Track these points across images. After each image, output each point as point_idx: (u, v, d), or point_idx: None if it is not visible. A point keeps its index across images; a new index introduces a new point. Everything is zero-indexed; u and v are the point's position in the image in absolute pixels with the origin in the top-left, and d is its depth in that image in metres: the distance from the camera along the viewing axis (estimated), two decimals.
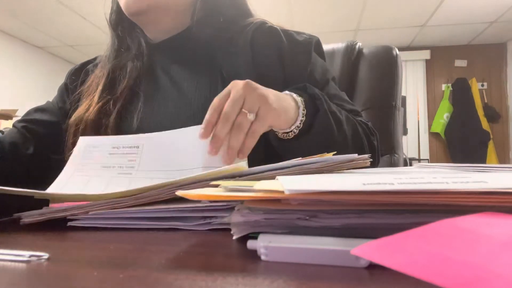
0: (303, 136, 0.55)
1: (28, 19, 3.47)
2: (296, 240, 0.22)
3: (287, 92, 0.56)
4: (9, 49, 3.87)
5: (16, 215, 0.37)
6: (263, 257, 0.22)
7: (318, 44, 0.71)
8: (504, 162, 4.20)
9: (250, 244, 0.23)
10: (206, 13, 0.68)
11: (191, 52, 0.69)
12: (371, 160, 0.42)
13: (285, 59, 0.66)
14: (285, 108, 0.51)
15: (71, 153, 0.55)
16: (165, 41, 0.71)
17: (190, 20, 0.69)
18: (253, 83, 0.48)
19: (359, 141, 0.63)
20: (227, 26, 0.69)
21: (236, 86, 0.47)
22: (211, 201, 0.32)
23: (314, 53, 0.69)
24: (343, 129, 0.59)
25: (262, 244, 0.22)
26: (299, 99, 0.54)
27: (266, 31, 0.68)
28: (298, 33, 0.71)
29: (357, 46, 1.02)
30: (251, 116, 0.45)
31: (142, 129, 0.63)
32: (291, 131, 0.54)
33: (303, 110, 0.54)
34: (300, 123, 0.54)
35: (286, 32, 0.70)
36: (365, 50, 1.02)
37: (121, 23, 0.73)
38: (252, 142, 0.46)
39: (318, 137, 0.55)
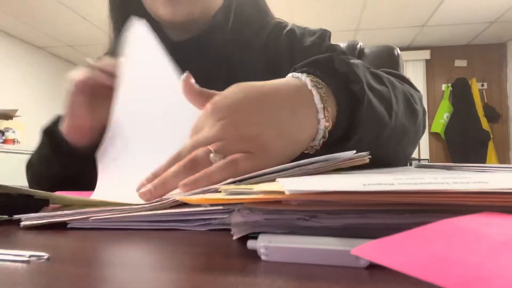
0: (340, 144, 0.41)
1: (28, 19, 3.47)
2: (296, 240, 0.22)
3: (307, 83, 0.38)
4: (9, 49, 3.87)
5: (16, 216, 0.37)
6: (263, 257, 0.22)
7: (330, 37, 0.70)
8: (504, 162, 4.20)
9: (250, 244, 0.23)
10: (225, 16, 0.67)
11: (208, 55, 0.68)
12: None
13: (295, 52, 0.65)
14: (291, 141, 0.36)
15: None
16: (184, 41, 0.68)
17: (210, 21, 0.67)
18: (251, 114, 0.34)
19: (415, 115, 0.50)
20: (243, 29, 0.68)
21: (215, 124, 0.34)
22: (211, 205, 0.32)
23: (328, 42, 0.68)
24: (395, 114, 0.44)
25: (262, 244, 0.22)
26: (321, 109, 0.37)
27: (280, 34, 0.68)
28: (312, 29, 0.71)
29: (358, 46, 1.02)
30: (215, 158, 0.34)
31: None
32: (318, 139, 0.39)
33: (322, 137, 0.38)
34: (320, 141, 0.39)
35: (300, 28, 0.70)
36: (366, 50, 1.02)
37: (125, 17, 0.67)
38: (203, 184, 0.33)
39: (365, 137, 0.40)
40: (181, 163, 0.35)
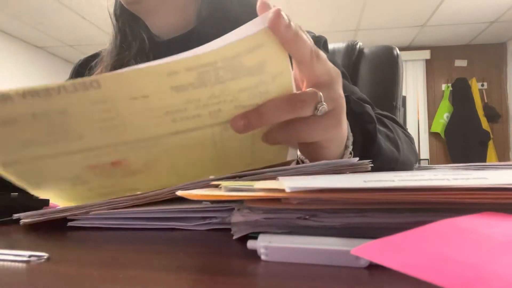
0: None
1: (28, 19, 3.47)
2: (296, 240, 0.22)
3: None
4: (9, 49, 3.87)
5: (16, 215, 0.37)
6: (263, 257, 0.22)
7: (326, 43, 0.70)
8: None
9: (250, 244, 0.23)
10: (211, 12, 0.67)
11: None
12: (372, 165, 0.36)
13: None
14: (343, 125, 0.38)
15: None
16: (172, 40, 0.69)
17: (196, 18, 0.67)
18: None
19: (414, 155, 0.57)
20: (232, 27, 0.67)
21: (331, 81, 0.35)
22: (212, 202, 0.32)
23: (322, 50, 0.67)
24: (402, 152, 0.50)
25: (262, 244, 0.22)
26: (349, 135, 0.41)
27: None
28: (307, 32, 0.70)
29: (357, 46, 1.02)
30: (322, 109, 0.33)
31: None
32: None
33: (350, 153, 0.41)
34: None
35: None
36: (366, 50, 1.02)
37: (123, 16, 0.71)
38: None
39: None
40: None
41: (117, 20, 0.72)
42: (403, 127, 0.62)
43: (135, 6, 0.65)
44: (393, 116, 0.62)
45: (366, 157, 0.42)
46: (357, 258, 0.20)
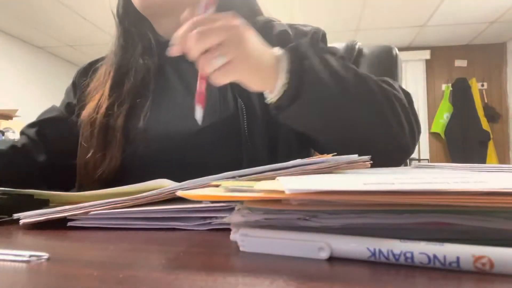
0: (296, 101, 0.49)
1: (28, 19, 3.47)
2: (270, 233, 0.23)
3: (273, 49, 0.50)
4: (9, 49, 3.87)
5: (16, 215, 0.37)
6: (241, 248, 0.24)
7: (324, 37, 0.70)
8: (504, 162, 4.20)
9: (232, 236, 0.25)
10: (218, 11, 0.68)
11: None
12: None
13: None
14: (259, 65, 0.46)
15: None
16: None
17: None
18: (247, 30, 0.46)
19: (372, 96, 0.54)
20: None
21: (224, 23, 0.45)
22: (211, 202, 0.32)
23: (321, 43, 0.67)
24: (342, 80, 0.51)
25: (240, 235, 0.24)
26: (282, 56, 0.49)
27: (270, 34, 0.67)
28: (305, 25, 0.70)
29: (357, 46, 1.02)
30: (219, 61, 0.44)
31: (148, 129, 0.63)
32: (275, 95, 0.49)
33: (287, 75, 0.47)
34: (283, 87, 0.48)
35: (291, 26, 0.69)
36: (365, 50, 1.02)
37: (128, 16, 0.71)
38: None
39: (313, 96, 0.48)
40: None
41: (121, 20, 0.72)
42: (396, 88, 0.59)
43: (153, 9, 0.65)
44: (388, 80, 0.60)
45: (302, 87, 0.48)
46: (319, 250, 0.21)
